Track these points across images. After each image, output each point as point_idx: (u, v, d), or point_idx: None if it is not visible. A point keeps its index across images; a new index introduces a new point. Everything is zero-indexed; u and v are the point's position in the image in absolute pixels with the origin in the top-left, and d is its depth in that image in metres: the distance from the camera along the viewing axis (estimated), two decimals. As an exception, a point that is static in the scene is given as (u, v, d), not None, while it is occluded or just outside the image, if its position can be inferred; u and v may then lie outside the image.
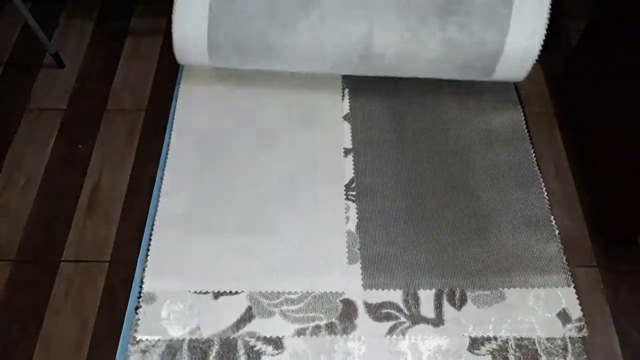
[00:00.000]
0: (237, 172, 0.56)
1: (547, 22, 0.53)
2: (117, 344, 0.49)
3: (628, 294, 1.23)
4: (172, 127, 0.60)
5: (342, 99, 0.61)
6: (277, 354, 0.46)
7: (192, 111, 0.61)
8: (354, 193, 0.53)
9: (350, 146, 0.58)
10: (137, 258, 0.52)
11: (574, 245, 1.27)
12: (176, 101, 0.62)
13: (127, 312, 0.49)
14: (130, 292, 0.50)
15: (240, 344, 0.46)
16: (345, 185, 0.51)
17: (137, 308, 0.48)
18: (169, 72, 0.55)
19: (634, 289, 1.24)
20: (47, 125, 1.52)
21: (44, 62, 1.64)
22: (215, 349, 0.46)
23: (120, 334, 0.49)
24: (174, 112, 0.61)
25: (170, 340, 0.47)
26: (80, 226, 1.35)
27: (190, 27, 0.55)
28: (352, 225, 0.53)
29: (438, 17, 0.53)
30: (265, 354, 0.46)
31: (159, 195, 0.55)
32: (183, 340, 0.47)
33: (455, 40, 0.54)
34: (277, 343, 0.46)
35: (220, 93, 0.61)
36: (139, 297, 0.49)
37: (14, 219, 1.36)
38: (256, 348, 0.46)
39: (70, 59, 1.64)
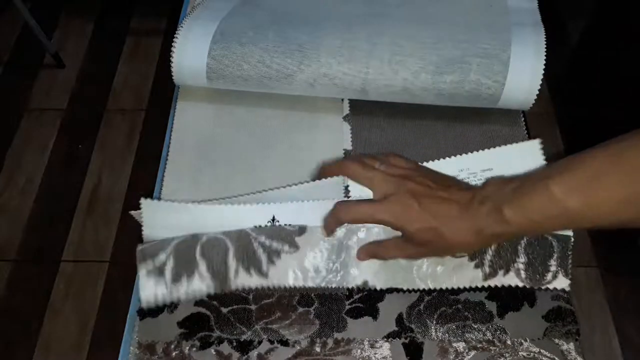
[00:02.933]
0: (237, 172, 0.56)
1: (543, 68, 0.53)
2: (117, 344, 0.49)
3: (628, 294, 1.23)
4: (172, 127, 0.60)
5: (342, 100, 0.61)
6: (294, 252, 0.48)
7: (192, 111, 0.61)
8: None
9: (350, 147, 0.58)
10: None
11: (574, 246, 1.27)
12: (176, 101, 0.62)
13: (128, 316, 0.49)
14: (131, 293, 0.50)
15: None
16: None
17: (139, 311, 0.48)
18: (169, 72, 0.55)
19: (634, 289, 1.24)
20: (47, 125, 1.52)
21: (44, 62, 1.64)
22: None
23: (120, 334, 0.49)
24: (174, 112, 0.61)
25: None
26: (80, 226, 1.35)
27: (189, 68, 0.57)
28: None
29: (432, 75, 0.54)
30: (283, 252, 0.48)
31: (159, 196, 0.55)
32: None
33: (450, 94, 0.55)
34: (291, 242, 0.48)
35: (220, 94, 0.61)
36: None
37: (14, 219, 1.36)
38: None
39: (70, 59, 1.64)
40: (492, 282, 0.48)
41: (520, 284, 0.48)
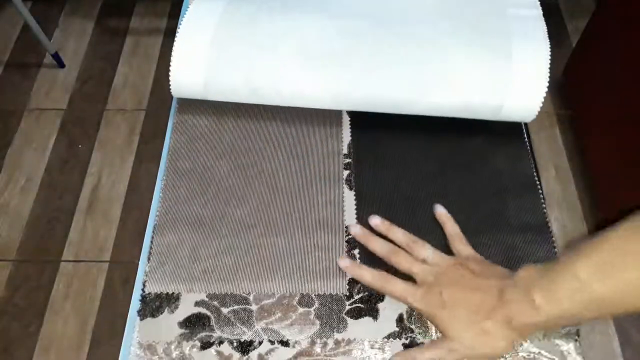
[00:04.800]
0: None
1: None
2: (117, 344, 0.49)
3: (628, 294, 1.23)
4: (172, 127, 0.60)
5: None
6: None
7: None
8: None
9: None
10: (138, 259, 0.52)
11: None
12: (176, 101, 0.62)
13: (129, 316, 0.49)
14: (131, 294, 0.50)
15: None
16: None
17: (139, 311, 0.48)
18: (169, 72, 0.55)
19: (633, 289, 1.24)
20: (47, 125, 1.52)
21: (44, 62, 1.64)
22: None
23: (120, 334, 0.49)
24: (174, 112, 0.61)
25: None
26: (80, 226, 1.35)
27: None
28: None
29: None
30: None
31: (159, 196, 0.55)
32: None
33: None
34: None
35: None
36: (141, 299, 0.49)
37: (14, 219, 1.36)
38: None
39: (70, 59, 1.65)
40: None
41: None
